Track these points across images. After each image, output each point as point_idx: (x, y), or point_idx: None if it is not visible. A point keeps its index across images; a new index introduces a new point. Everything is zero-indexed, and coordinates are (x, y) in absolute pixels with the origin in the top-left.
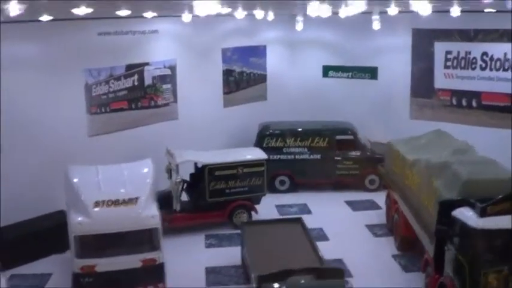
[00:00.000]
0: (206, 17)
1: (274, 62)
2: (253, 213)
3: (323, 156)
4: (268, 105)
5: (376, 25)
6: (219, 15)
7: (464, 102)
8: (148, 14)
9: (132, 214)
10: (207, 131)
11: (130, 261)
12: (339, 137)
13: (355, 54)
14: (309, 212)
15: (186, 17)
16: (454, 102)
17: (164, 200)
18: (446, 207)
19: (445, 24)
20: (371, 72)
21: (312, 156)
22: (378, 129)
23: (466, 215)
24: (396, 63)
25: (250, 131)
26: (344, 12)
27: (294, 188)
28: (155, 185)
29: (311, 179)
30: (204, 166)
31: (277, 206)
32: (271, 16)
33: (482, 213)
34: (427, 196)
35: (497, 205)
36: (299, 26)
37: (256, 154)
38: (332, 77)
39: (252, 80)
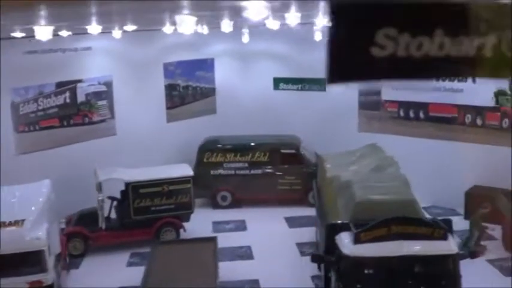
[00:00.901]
0: (145, 31)
1: (223, 75)
2: (186, 230)
3: (264, 171)
4: (218, 119)
5: (317, 36)
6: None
7: (411, 114)
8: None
9: (17, 236)
10: (149, 146)
11: (17, 283)
12: (280, 151)
13: (304, 66)
14: (244, 228)
15: (116, 33)
16: (402, 114)
17: (91, 218)
18: (333, 230)
19: None
20: (320, 84)
21: (252, 171)
22: (326, 142)
23: (343, 240)
24: None
25: (196, 146)
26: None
27: (236, 203)
28: (51, 206)
29: (252, 194)
30: (128, 184)
31: (214, 223)
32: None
33: (356, 240)
34: (332, 217)
35: (371, 231)
36: (245, 38)
37: (183, 171)
38: (283, 89)
39: (198, 94)
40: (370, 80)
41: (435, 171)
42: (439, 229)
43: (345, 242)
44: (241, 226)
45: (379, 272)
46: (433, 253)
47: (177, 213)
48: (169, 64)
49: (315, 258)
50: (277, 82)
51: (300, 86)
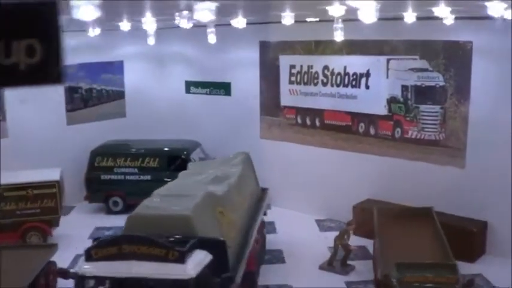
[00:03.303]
0: None
1: (134, 78)
2: (52, 235)
3: (153, 176)
4: (127, 122)
5: (211, 38)
6: None
7: (308, 121)
8: None
9: None
10: (46, 149)
11: None
12: (169, 157)
13: (212, 69)
14: None
15: None
16: (299, 121)
17: None
18: None
19: (289, 35)
20: (225, 88)
21: (142, 177)
22: (230, 148)
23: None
24: (247, 79)
25: None
26: None
27: (130, 209)
28: None
29: (143, 200)
30: None
31: (97, 228)
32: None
33: (87, 257)
34: None
35: (103, 249)
36: (150, 41)
37: (48, 176)
38: (193, 93)
39: (104, 97)
40: None
41: (331, 183)
42: (174, 251)
43: (81, 258)
44: (118, 232)
45: None
46: (164, 276)
47: (42, 217)
48: (69, 67)
49: (60, 273)
50: (189, 85)
51: (208, 90)
